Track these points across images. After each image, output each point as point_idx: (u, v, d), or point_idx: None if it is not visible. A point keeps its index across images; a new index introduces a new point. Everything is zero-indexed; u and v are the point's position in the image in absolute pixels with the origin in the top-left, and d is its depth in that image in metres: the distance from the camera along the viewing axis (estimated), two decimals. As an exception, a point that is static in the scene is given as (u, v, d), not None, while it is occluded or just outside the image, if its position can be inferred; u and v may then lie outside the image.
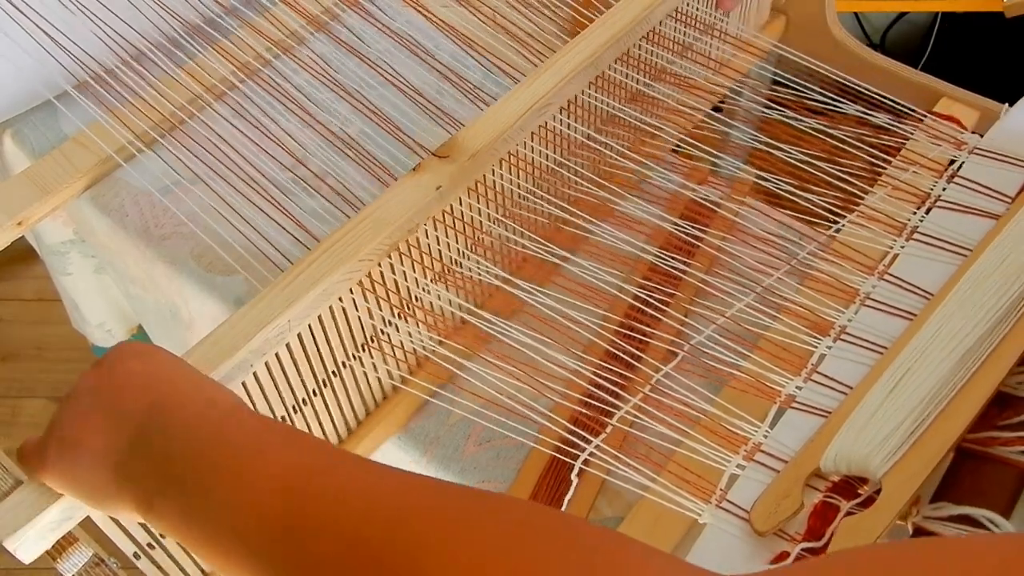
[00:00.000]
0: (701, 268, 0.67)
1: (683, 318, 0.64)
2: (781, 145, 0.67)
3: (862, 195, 0.66)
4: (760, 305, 0.63)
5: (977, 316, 0.57)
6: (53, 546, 0.68)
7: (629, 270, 0.68)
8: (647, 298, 0.64)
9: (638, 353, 0.63)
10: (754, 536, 0.55)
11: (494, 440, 0.66)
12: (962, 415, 0.54)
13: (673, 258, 0.66)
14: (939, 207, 0.67)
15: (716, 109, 0.71)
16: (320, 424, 0.63)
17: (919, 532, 0.53)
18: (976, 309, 0.58)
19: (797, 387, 0.60)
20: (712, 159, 0.69)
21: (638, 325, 0.65)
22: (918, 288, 0.63)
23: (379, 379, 0.65)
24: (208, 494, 0.40)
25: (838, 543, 0.53)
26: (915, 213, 0.67)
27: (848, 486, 0.55)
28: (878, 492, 0.54)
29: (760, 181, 0.68)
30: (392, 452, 0.74)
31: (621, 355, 0.62)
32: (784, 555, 0.54)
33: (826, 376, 0.60)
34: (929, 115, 0.71)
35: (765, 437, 0.58)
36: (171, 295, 0.84)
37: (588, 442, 0.58)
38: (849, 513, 0.54)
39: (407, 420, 0.68)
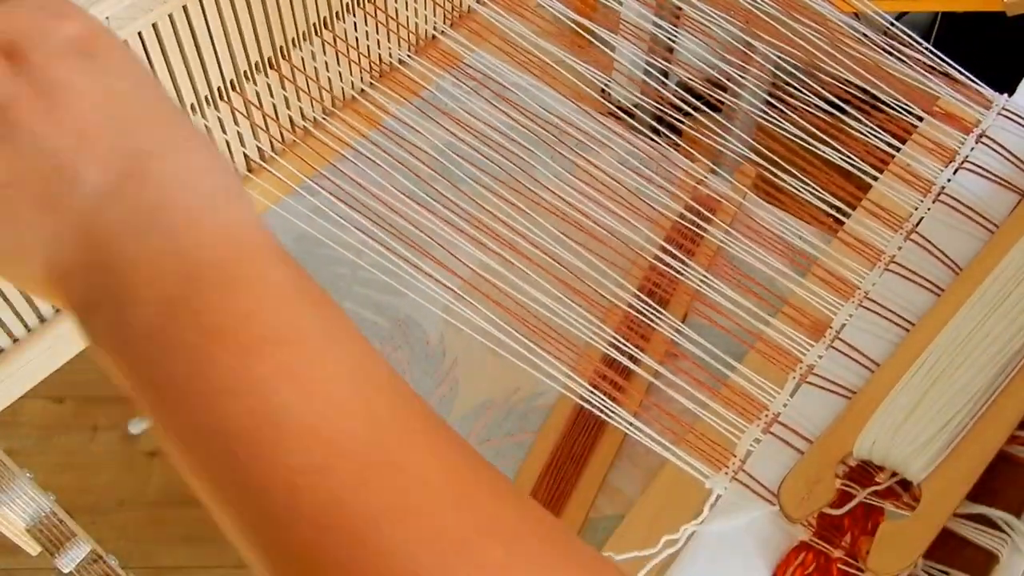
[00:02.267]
0: (721, 228, 0.63)
1: (703, 276, 0.60)
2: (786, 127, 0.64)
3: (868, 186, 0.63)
4: (784, 268, 0.59)
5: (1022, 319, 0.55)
6: (51, 541, 0.67)
7: (651, 226, 0.65)
8: (665, 260, 0.61)
9: (655, 315, 0.60)
10: (771, 513, 0.51)
11: (493, 439, 0.65)
12: (1006, 421, 0.52)
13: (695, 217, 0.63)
14: (966, 169, 0.63)
15: (715, 109, 0.69)
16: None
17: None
18: (1020, 311, 0.55)
19: (818, 355, 0.56)
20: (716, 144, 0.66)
21: (655, 288, 0.63)
22: (944, 255, 0.60)
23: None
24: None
25: (880, 551, 0.49)
26: (942, 171, 0.63)
27: (865, 472, 0.52)
28: (901, 484, 0.51)
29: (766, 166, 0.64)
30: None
31: (639, 317, 0.59)
32: (803, 545, 0.50)
33: (848, 345, 0.56)
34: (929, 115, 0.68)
35: (784, 407, 0.54)
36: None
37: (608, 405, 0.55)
38: (867, 504, 0.51)
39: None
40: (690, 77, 0.70)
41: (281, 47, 0.58)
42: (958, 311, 0.56)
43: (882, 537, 0.49)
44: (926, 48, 0.67)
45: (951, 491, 0.50)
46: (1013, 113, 0.66)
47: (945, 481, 0.50)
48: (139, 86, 0.32)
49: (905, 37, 0.68)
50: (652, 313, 0.59)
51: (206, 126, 0.55)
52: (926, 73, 0.67)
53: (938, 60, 0.67)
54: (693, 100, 0.66)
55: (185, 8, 0.50)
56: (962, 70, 0.67)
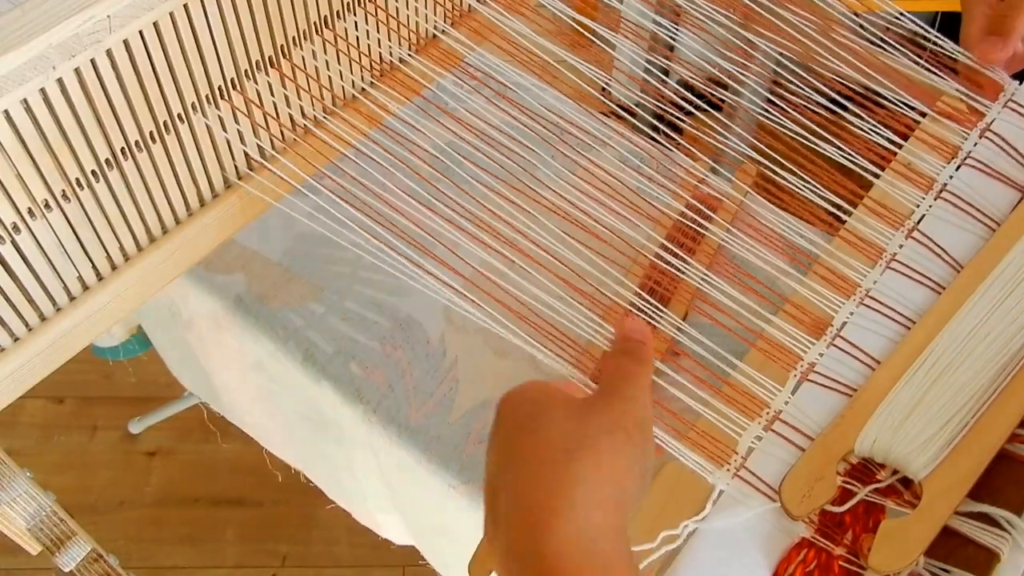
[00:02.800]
0: (722, 226, 0.63)
1: (703, 276, 0.60)
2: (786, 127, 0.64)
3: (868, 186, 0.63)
4: (785, 266, 0.59)
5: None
6: (51, 540, 0.67)
7: (652, 225, 0.65)
8: (668, 257, 0.61)
9: (656, 313, 0.60)
10: (772, 510, 0.51)
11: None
12: (1008, 419, 0.52)
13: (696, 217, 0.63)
14: (969, 165, 0.63)
15: (715, 107, 0.69)
16: (130, 195, 0.54)
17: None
18: (1022, 310, 0.55)
19: (819, 353, 0.56)
20: (715, 145, 0.66)
21: (656, 287, 0.62)
22: (946, 253, 0.59)
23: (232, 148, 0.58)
24: None
25: (881, 548, 0.49)
26: (945, 168, 0.63)
27: (866, 470, 0.52)
28: (902, 482, 0.51)
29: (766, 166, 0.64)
30: (392, 451, 0.72)
31: (640, 315, 0.59)
32: (805, 542, 0.50)
33: (850, 343, 0.56)
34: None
35: (786, 404, 0.54)
36: (170, 294, 0.83)
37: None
38: (868, 501, 0.51)
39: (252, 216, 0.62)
40: (691, 75, 0.70)
41: (282, 46, 0.58)
42: (960, 309, 0.56)
43: (883, 534, 0.49)
44: (934, 38, 0.67)
45: (952, 489, 0.50)
46: (1020, 105, 0.65)
47: (946, 479, 0.50)
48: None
49: (911, 27, 0.68)
50: (653, 311, 0.59)
51: (207, 125, 0.55)
52: (931, 67, 0.67)
53: (942, 53, 0.67)
54: (694, 98, 0.66)
55: (186, 6, 0.50)
56: (966, 62, 0.67)
